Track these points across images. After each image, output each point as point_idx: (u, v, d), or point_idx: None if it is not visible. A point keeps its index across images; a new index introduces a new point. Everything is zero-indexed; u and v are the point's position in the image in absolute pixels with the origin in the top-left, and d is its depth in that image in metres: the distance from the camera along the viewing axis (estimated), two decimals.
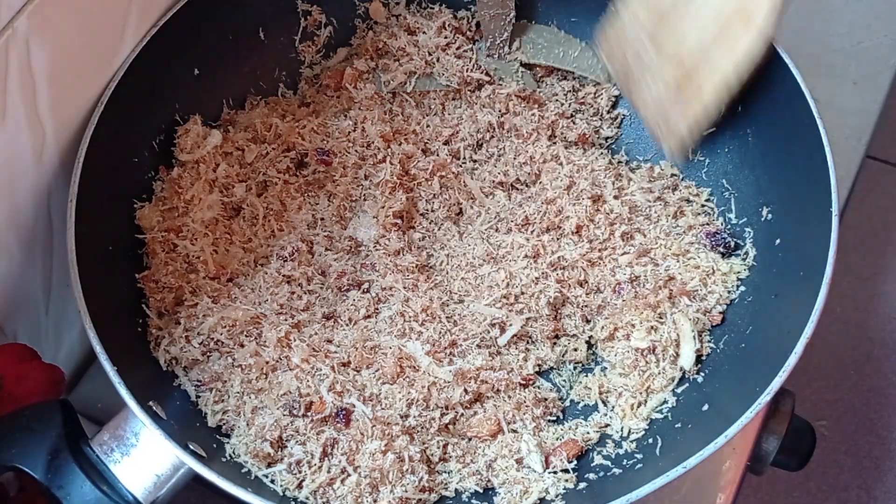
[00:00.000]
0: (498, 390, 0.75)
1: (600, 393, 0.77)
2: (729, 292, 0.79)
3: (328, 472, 0.69)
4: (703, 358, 0.77)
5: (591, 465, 0.73)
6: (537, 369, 0.78)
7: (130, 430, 0.66)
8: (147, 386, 0.69)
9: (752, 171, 0.83)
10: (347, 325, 0.79)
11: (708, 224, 0.83)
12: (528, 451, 0.72)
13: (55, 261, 0.79)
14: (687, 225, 0.83)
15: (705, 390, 0.75)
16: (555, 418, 0.77)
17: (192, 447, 0.66)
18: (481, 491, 0.72)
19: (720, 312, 0.78)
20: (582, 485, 0.72)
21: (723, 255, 0.81)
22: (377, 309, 0.80)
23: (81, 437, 0.67)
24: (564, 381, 0.79)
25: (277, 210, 0.84)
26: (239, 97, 0.91)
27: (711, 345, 0.77)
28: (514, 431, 0.74)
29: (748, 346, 0.75)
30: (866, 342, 1.57)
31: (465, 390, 0.74)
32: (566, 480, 0.71)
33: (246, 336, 0.75)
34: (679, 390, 0.76)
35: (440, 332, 0.77)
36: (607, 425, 0.75)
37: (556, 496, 0.70)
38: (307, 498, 0.69)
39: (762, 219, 0.80)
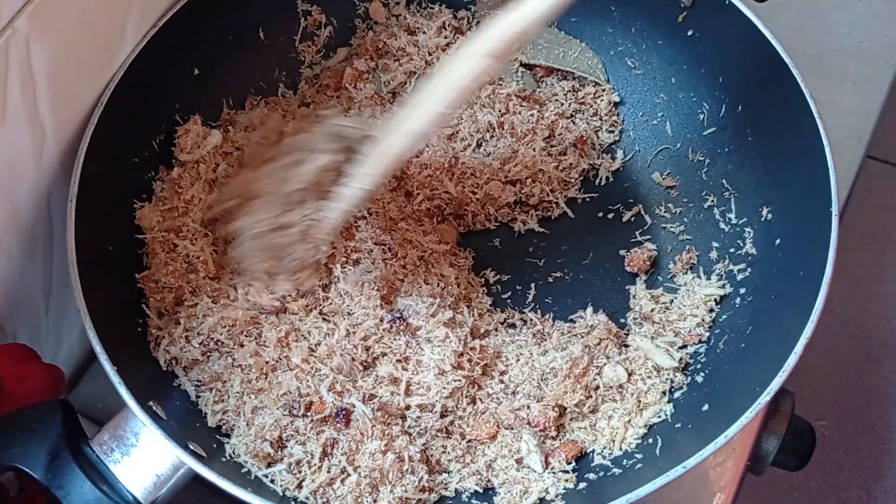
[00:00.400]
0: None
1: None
2: (704, 316, 0.80)
3: (328, 472, 0.69)
4: (692, 361, 0.77)
5: (591, 465, 0.73)
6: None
7: (130, 430, 0.66)
8: (147, 386, 0.69)
9: (752, 171, 0.83)
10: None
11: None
12: (527, 451, 0.72)
13: (55, 261, 0.79)
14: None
15: (705, 390, 0.75)
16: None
17: (191, 447, 0.66)
18: (481, 491, 0.72)
19: (698, 334, 0.79)
20: (582, 485, 0.72)
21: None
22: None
23: (81, 437, 0.66)
24: None
25: None
26: (239, 97, 0.91)
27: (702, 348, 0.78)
28: (512, 429, 0.73)
29: (748, 346, 0.75)
30: (866, 342, 1.57)
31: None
32: (566, 480, 0.71)
33: (246, 336, 0.75)
34: (678, 393, 0.76)
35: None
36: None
37: (556, 496, 0.70)
38: (307, 498, 0.69)
39: (762, 219, 0.80)
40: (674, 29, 0.88)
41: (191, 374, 0.74)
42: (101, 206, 0.75)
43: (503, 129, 0.90)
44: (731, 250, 0.82)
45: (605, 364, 0.76)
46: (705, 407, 0.72)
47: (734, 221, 0.83)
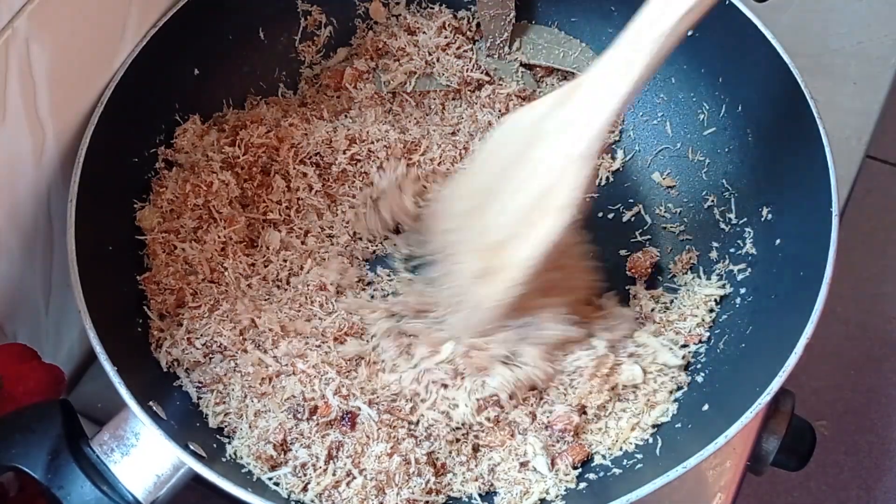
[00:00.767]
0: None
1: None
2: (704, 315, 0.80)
3: (333, 474, 0.69)
4: (692, 360, 0.77)
5: (592, 465, 0.73)
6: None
7: (130, 430, 0.66)
8: (147, 386, 0.69)
9: (752, 171, 0.83)
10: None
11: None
12: (534, 453, 0.72)
13: (55, 261, 0.79)
14: None
15: (705, 390, 0.75)
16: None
17: (192, 447, 0.66)
18: (482, 494, 0.72)
19: (698, 334, 0.79)
20: (582, 485, 0.72)
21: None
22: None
23: (81, 437, 0.66)
24: None
25: None
26: (239, 97, 0.91)
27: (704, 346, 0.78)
28: (526, 433, 0.73)
29: (748, 346, 0.75)
30: (866, 342, 1.57)
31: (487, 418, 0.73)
32: (567, 481, 0.71)
33: (250, 342, 0.75)
34: (678, 393, 0.76)
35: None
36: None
37: (557, 496, 0.70)
38: (312, 500, 0.69)
39: (762, 219, 0.80)
40: None
41: (192, 376, 0.74)
42: (101, 207, 0.75)
43: None
44: (731, 250, 0.82)
45: (622, 363, 0.75)
46: (705, 407, 0.72)
47: (734, 221, 0.83)
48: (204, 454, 0.67)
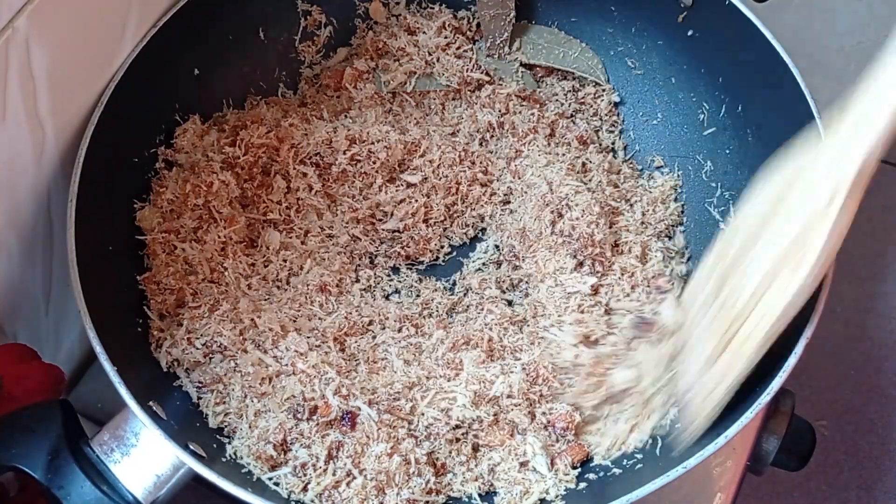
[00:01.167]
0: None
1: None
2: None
3: (333, 474, 0.69)
4: None
5: (591, 465, 0.73)
6: None
7: (130, 430, 0.66)
8: (147, 386, 0.69)
9: (752, 172, 0.83)
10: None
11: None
12: (533, 453, 0.72)
13: (55, 261, 0.79)
14: None
15: None
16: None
17: (192, 447, 0.66)
18: (482, 494, 0.72)
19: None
20: (582, 485, 0.72)
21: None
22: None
23: (81, 437, 0.66)
24: None
25: None
26: (239, 97, 0.91)
27: None
28: (525, 433, 0.73)
29: None
30: (866, 342, 1.57)
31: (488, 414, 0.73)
32: (567, 481, 0.71)
33: (250, 342, 0.75)
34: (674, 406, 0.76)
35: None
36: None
37: (557, 497, 0.70)
38: (312, 500, 0.69)
39: None
40: (674, 29, 0.88)
41: (192, 376, 0.74)
42: (101, 207, 0.75)
43: (504, 128, 0.90)
44: None
45: (616, 366, 0.75)
46: None
47: None
48: (204, 454, 0.67)
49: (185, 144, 0.84)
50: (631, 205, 0.87)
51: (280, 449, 0.70)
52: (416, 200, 0.86)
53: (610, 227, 0.83)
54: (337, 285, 0.81)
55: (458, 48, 0.93)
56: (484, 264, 0.86)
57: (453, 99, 0.93)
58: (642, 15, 0.91)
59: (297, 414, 0.71)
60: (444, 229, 0.87)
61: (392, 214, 0.86)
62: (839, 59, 1.08)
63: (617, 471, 0.72)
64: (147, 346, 0.75)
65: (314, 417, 0.71)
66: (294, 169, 0.85)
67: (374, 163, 0.86)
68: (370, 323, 0.80)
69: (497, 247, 0.87)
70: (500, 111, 0.91)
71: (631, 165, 0.91)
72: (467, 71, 0.91)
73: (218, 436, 0.72)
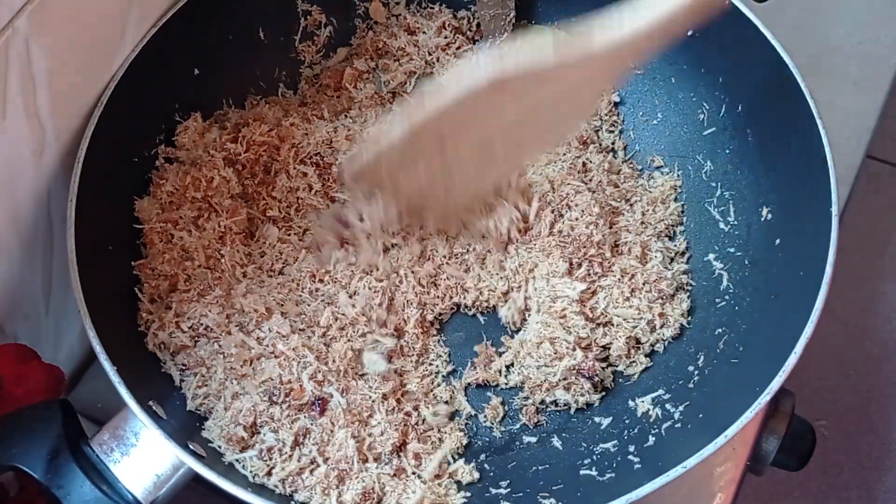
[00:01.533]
0: None
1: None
2: None
3: (298, 461, 0.70)
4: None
5: (591, 464, 0.73)
6: None
7: (130, 429, 0.66)
8: (147, 386, 0.69)
9: (752, 171, 0.83)
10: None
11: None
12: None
13: (55, 261, 0.79)
14: None
15: (705, 390, 0.75)
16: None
17: (192, 447, 0.66)
18: None
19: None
20: (582, 484, 0.72)
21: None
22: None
23: (81, 437, 0.66)
24: None
25: None
26: (239, 97, 0.91)
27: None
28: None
29: (748, 347, 0.75)
30: (866, 342, 1.57)
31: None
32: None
33: (234, 324, 0.76)
34: (679, 390, 0.76)
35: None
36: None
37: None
38: (276, 486, 0.69)
39: (762, 219, 0.80)
40: None
41: (177, 359, 0.75)
42: (101, 206, 0.75)
43: None
44: (731, 250, 0.82)
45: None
46: (705, 407, 0.72)
47: (734, 221, 0.83)
48: (204, 454, 0.67)
49: (185, 141, 0.84)
50: (631, 205, 0.87)
51: (249, 431, 0.71)
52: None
53: (610, 228, 0.83)
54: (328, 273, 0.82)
55: (458, 48, 0.93)
56: None
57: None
58: None
59: (273, 397, 0.72)
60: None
61: None
62: (839, 59, 1.08)
63: (617, 471, 0.72)
64: (147, 346, 0.75)
65: (287, 400, 0.72)
66: (294, 168, 0.85)
67: None
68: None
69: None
70: None
71: (631, 165, 0.91)
72: None
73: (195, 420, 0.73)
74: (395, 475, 0.71)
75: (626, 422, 0.76)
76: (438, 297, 0.81)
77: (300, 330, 0.77)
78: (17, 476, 0.72)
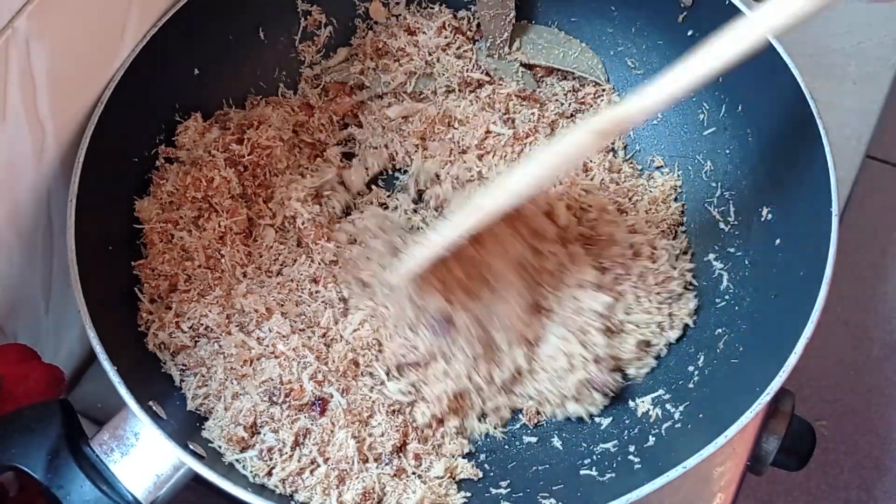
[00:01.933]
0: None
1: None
2: None
3: (299, 461, 0.70)
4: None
5: (591, 464, 0.73)
6: None
7: (130, 429, 0.66)
8: (147, 386, 0.69)
9: (752, 171, 0.83)
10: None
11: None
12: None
13: (55, 261, 0.79)
14: None
15: (705, 390, 0.75)
16: None
17: (192, 447, 0.66)
18: None
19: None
20: (581, 485, 0.72)
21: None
22: None
23: (81, 437, 0.66)
24: None
25: None
26: (239, 97, 0.91)
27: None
28: None
29: (748, 346, 0.75)
30: (866, 342, 1.57)
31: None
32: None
33: (235, 324, 0.76)
34: (679, 390, 0.76)
35: None
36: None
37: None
38: (276, 486, 0.69)
39: (762, 219, 0.80)
40: (674, 29, 0.88)
41: (177, 359, 0.75)
42: (101, 206, 0.75)
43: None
44: (731, 250, 0.82)
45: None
46: (705, 407, 0.72)
47: (734, 221, 0.83)
48: (204, 454, 0.67)
49: (186, 141, 0.84)
50: (634, 204, 0.87)
51: (250, 431, 0.71)
52: None
53: None
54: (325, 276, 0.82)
55: (458, 48, 0.93)
56: None
57: (454, 99, 0.93)
58: (642, 15, 0.91)
59: (273, 397, 0.72)
60: None
61: None
62: (839, 59, 1.08)
63: (617, 471, 0.72)
64: (147, 346, 0.75)
65: (287, 400, 0.72)
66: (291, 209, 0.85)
67: None
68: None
69: None
70: (500, 111, 0.91)
71: (631, 165, 0.91)
72: (467, 71, 0.91)
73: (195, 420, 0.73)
74: (395, 475, 0.71)
75: (627, 422, 0.76)
76: None
77: (300, 330, 0.77)
78: (17, 476, 0.72)
